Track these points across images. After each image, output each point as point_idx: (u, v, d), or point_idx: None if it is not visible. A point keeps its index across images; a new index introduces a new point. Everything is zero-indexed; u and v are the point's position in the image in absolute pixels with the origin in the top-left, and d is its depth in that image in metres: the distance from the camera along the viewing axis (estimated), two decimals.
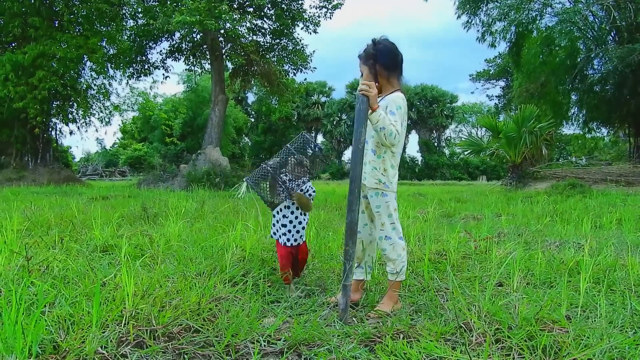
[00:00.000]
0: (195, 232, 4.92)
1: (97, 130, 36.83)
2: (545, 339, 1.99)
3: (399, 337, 2.16)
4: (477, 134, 42.27)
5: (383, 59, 2.76)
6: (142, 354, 1.93)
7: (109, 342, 1.97)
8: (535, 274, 3.31)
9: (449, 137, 66.84)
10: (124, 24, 22.40)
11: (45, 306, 2.31)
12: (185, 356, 1.96)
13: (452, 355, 1.92)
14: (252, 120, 59.98)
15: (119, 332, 2.07)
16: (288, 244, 3.12)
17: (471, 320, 2.23)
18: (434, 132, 63.34)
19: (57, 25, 20.89)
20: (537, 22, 21.91)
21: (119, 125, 59.45)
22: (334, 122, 63.05)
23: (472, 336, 2.14)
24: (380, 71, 2.76)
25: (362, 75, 2.76)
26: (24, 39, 19.85)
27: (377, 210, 2.74)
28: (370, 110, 2.51)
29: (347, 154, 65.46)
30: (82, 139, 38.43)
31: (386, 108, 2.65)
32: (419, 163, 60.57)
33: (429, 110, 60.08)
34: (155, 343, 2.03)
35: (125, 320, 2.17)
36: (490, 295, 2.68)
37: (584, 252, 3.55)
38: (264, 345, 2.11)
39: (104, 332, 2.05)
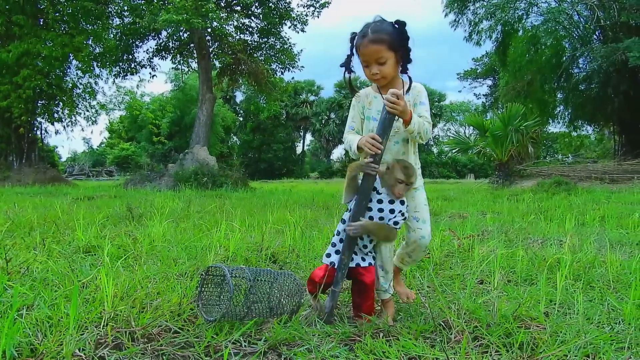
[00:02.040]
0: (180, 232, 4.91)
1: (83, 130, 36.80)
2: (522, 335, 2.02)
3: (379, 335, 2.17)
4: (464, 132, 42.56)
5: (408, 46, 2.35)
6: (120, 356, 1.92)
7: (87, 344, 1.96)
8: (517, 272, 3.35)
9: (437, 136, 67.29)
10: (110, 22, 22.23)
11: (23, 309, 2.30)
12: (164, 357, 1.95)
13: (430, 353, 1.94)
14: (241, 119, 59.92)
15: (97, 334, 2.06)
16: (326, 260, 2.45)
17: (450, 318, 2.25)
18: None
19: (42, 23, 20.69)
20: (523, 21, 22.12)
21: (106, 124, 59.18)
22: (323, 121, 63.17)
23: (451, 334, 2.16)
24: (406, 60, 2.37)
25: (384, 62, 2.31)
26: (8, 37, 19.63)
27: (426, 203, 2.51)
28: (403, 122, 2.27)
29: (336, 153, 65.56)
30: (68, 139, 38.46)
31: (413, 101, 2.41)
32: None
33: None
34: (134, 345, 2.02)
35: (104, 322, 2.16)
36: (471, 293, 2.71)
37: (564, 249, 3.59)
38: (245, 346, 2.11)
39: (82, 335, 2.04)
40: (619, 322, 2.31)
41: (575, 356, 1.88)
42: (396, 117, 2.25)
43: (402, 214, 2.36)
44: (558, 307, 2.54)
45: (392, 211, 2.34)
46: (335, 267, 2.37)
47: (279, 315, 2.38)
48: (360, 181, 2.34)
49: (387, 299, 2.52)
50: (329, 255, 2.43)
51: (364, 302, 2.39)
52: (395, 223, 2.34)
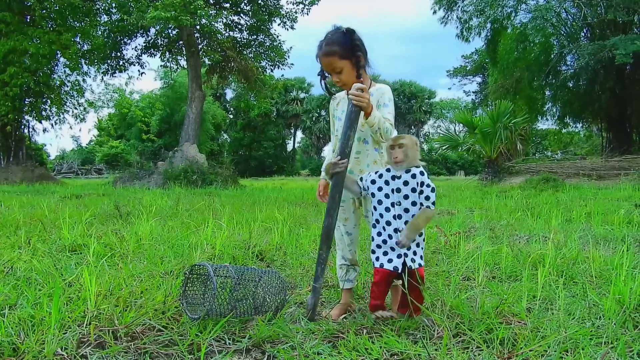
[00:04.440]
0: (167, 231, 4.89)
1: (71, 128, 36.59)
2: (503, 331, 2.04)
3: (362, 332, 2.19)
4: (454, 129, 42.74)
5: (364, 50, 2.48)
6: (102, 355, 1.92)
7: (69, 343, 1.96)
8: (501, 268, 3.37)
9: (428, 133, 67.46)
10: (98, 19, 22.04)
11: (6, 308, 2.29)
12: (148, 355, 1.95)
13: (412, 350, 1.95)
14: (231, 116, 59.65)
15: (80, 333, 2.06)
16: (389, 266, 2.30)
17: (431, 316, 2.27)
18: (413, 127, 63.84)
19: (28, 20, 20.48)
20: (512, 18, 22.20)
21: (95, 122, 58.72)
22: (313, 118, 63.13)
23: (434, 330, 2.18)
24: (363, 64, 2.48)
25: (340, 71, 2.44)
26: None
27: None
28: (364, 115, 2.32)
29: (327, 150, 65.54)
30: (57, 137, 38.04)
31: (377, 102, 2.47)
32: None
33: (407, 106, 60.55)
34: (117, 343, 2.02)
35: (87, 321, 2.15)
36: (455, 290, 2.72)
37: (549, 245, 3.62)
38: (229, 343, 2.11)
39: (64, 334, 2.03)
40: (600, 317, 2.33)
41: (555, 351, 1.90)
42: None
43: (427, 185, 2.27)
44: (540, 303, 2.56)
45: (413, 190, 2.28)
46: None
47: (264, 313, 2.39)
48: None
49: (347, 288, 2.62)
50: (390, 261, 2.29)
51: (408, 298, 2.27)
52: (427, 198, 2.26)
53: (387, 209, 2.30)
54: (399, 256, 2.27)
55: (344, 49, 2.41)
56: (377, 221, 2.33)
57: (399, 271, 2.26)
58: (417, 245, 2.29)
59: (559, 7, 20.67)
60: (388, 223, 2.29)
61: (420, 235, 2.30)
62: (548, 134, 47.06)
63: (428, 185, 2.27)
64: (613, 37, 18.21)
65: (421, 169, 2.30)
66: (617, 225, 5.52)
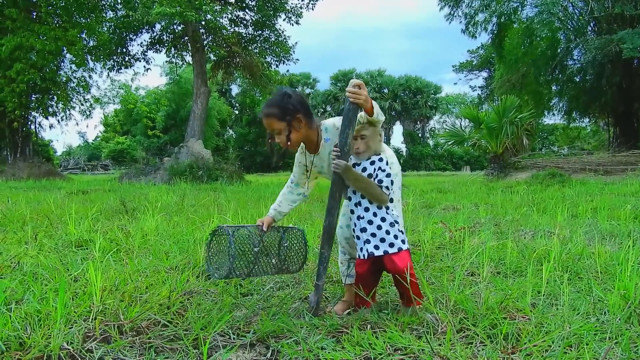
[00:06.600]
0: (173, 226, 4.91)
1: (77, 124, 36.74)
2: (507, 326, 2.04)
3: (366, 327, 2.19)
4: (460, 124, 42.56)
5: (304, 110, 2.48)
6: (108, 349, 1.93)
7: (75, 337, 1.97)
8: (506, 263, 3.37)
9: (433, 128, 67.23)
10: (104, 15, 22.07)
11: (12, 303, 2.30)
12: (153, 350, 1.97)
13: (415, 345, 1.96)
14: (236, 112, 59.66)
15: (86, 327, 2.07)
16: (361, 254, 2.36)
17: (436, 312, 2.27)
18: (418, 123, 63.68)
19: (34, 16, 20.52)
20: (518, 13, 22.02)
21: (101, 118, 58.93)
22: (319, 114, 62.96)
23: (438, 326, 2.18)
24: (303, 124, 2.48)
25: (279, 133, 2.45)
26: (1, 31, 19.47)
27: None
28: (366, 112, 2.31)
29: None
30: (63, 133, 38.05)
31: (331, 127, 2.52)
32: (404, 154, 60.81)
33: (413, 101, 60.34)
34: (122, 338, 2.04)
35: (92, 315, 2.17)
36: (459, 285, 2.72)
37: (554, 241, 3.61)
38: (234, 338, 2.12)
39: (70, 328, 2.05)
40: (604, 312, 2.33)
41: (559, 346, 1.90)
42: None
43: (382, 170, 2.32)
44: (545, 298, 2.56)
45: (370, 176, 2.33)
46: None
47: (285, 273, 2.59)
48: None
49: (349, 283, 2.62)
50: (361, 249, 2.35)
51: (406, 290, 2.27)
52: (380, 182, 2.30)
53: (349, 198, 2.39)
54: (365, 242, 2.32)
55: (283, 111, 2.40)
56: (352, 211, 2.39)
57: (366, 258, 2.30)
58: (373, 235, 2.30)
59: (565, 1, 20.50)
60: (352, 212, 2.38)
61: (382, 222, 2.30)
62: (555, 129, 46.78)
63: (383, 170, 2.33)
64: (620, 31, 18.03)
65: (381, 156, 2.38)
66: (624, 221, 5.49)
